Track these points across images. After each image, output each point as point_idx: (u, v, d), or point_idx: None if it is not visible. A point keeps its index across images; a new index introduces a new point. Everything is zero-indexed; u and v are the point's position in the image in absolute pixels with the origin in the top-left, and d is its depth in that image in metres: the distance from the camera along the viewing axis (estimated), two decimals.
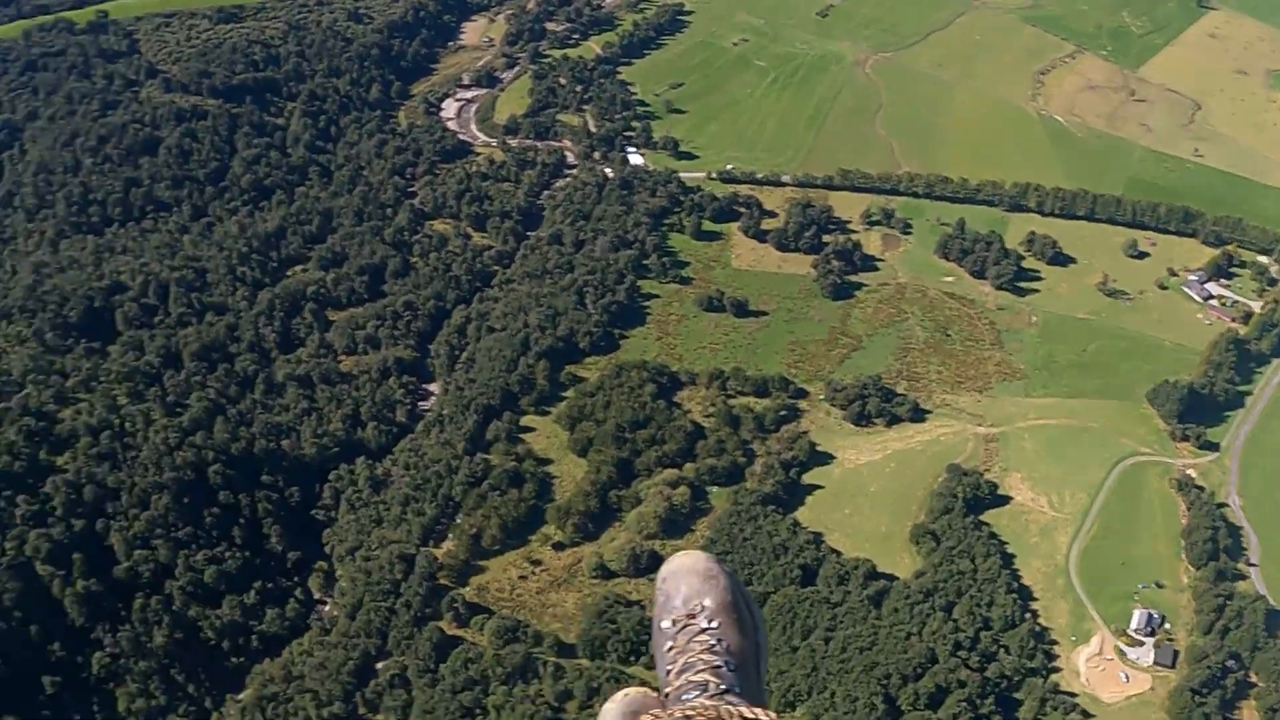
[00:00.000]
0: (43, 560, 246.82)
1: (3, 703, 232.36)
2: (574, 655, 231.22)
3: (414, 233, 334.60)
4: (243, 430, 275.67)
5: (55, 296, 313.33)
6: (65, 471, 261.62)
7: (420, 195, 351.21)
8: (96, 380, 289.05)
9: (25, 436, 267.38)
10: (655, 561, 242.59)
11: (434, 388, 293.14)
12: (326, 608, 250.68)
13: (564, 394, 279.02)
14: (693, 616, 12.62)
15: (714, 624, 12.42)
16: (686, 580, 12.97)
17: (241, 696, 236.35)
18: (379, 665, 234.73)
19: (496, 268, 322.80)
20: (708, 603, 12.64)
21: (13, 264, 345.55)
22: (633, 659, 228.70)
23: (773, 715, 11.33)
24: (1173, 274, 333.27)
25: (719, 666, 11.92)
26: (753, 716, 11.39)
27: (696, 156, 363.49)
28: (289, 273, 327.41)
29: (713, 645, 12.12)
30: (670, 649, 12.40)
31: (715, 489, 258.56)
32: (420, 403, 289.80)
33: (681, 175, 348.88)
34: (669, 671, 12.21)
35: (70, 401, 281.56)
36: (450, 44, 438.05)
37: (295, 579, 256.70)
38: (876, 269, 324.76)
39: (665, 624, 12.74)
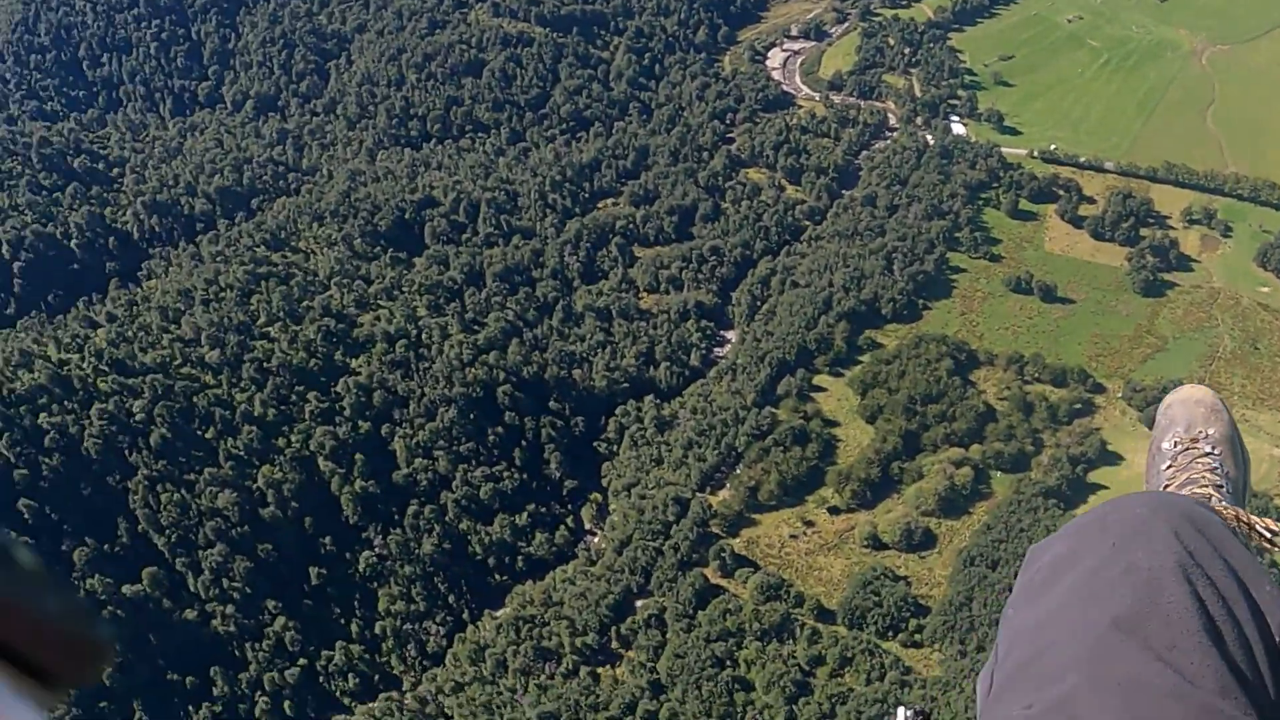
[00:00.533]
0: (326, 456, 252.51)
1: (271, 587, 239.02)
2: (833, 622, 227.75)
3: (728, 179, 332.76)
4: (536, 355, 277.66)
5: (367, 205, 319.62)
6: (358, 374, 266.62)
7: (738, 142, 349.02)
8: (399, 289, 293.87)
9: (324, 336, 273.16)
10: (928, 539, 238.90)
11: (731, 335, 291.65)
12: (595, 539, 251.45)
13: (860, 358, 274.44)
14: (1195, 441, 11.63)
15: (1216, 451, 11.50)
16: (1193, 409, 11.91)
17: (499, 614, 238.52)
18: (638, 603, 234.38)
19: (807, 223, 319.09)
20: (1212, 432, 11.66)
21: (329, 169, 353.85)
22: (891, 634, 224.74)
23: None
24: None
25: (1220, 485, 11.16)
26: (1265, 523, 10.74)
27: (1020, 133, 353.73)
28: (599, 205, 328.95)
29: (1214, 468, 11.30)
30: (1168, 467, 11.53)
31: (998, 474, 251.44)
32: (715, 349, 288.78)
33: (1002, 150, 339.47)
34: (1166, 486, 11.33)
35: (371, 307, 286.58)
36: None
37: (569, 507, 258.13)
38: (1191, 270, 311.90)
39: (1165, 445, 11.72)
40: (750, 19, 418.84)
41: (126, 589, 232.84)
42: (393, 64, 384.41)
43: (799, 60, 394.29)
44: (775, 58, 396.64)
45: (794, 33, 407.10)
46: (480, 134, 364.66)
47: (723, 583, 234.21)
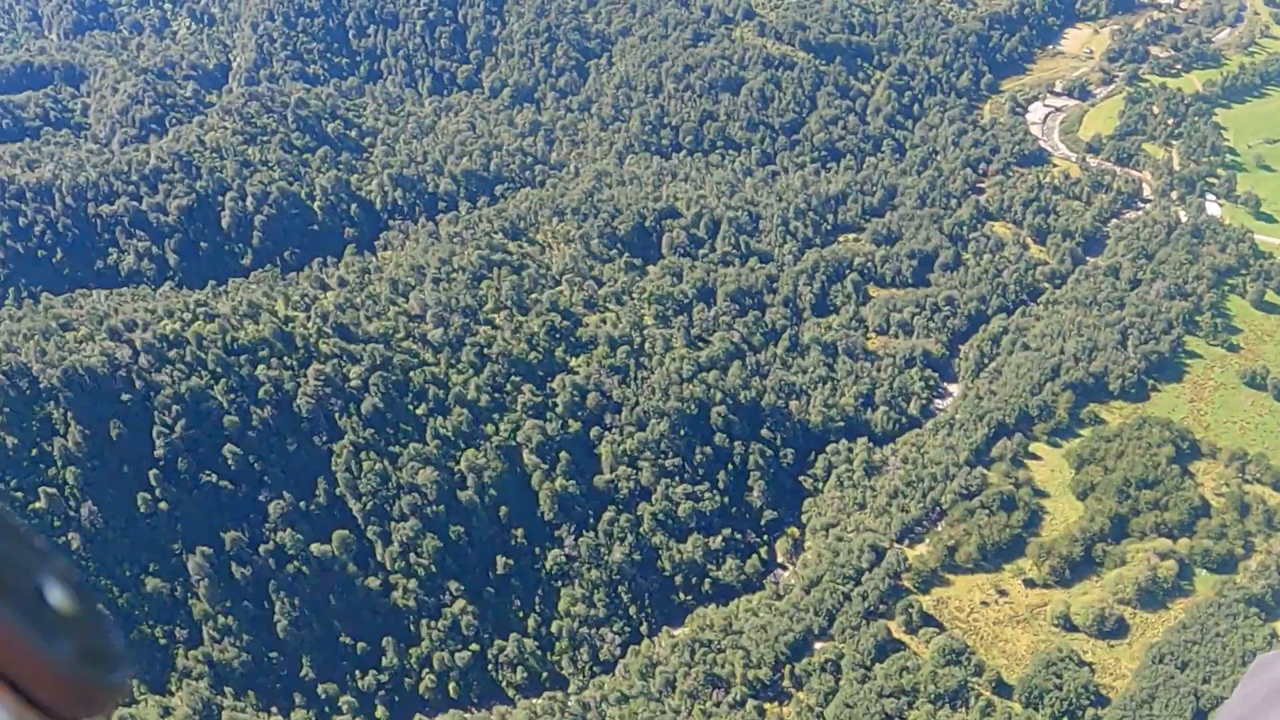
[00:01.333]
0: (532, 450, 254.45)
1: (456, 569, 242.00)
2: (1009, 697, 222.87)
3: (973, 229, 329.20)
4: (756, 380, 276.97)
5: (610, 207, 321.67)
6: (576, 374, 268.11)
7: (988, 193, 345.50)
8: (629, 295, 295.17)
9: (548, 331, 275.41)
10: (1121, 628, 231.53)
11: (953, 389, 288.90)
12: (785, 574, 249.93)
13: (1080, 431, 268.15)
14: None
15: None
16: None
17: (677, 633, 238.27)
18: (817, 645, 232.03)
19: (1046, 285, 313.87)
20: None
21: (577, 166, 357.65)
22: (1065, 719, 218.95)
23: None
24: None
25: None
26: None
27: (1276, 221, 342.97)
28: (840, 238, 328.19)
29: None
30: None
31: (1203, 572, 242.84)
32: (936, 400, 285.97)
33: (1256, 236, 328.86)
34: None
35: (599, 309, 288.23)
36: (1049, 47, 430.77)
37: (764, 537, 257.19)
38: None
39: None
40: (1015, 69, 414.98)
41: (316, 547, 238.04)
42: (652, 70, 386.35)
43: (1059, 118, 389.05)
44: (1036, 112, 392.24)
45: (1058, 89, 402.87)
46: (731, 151, 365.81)
47: (905, 638, 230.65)
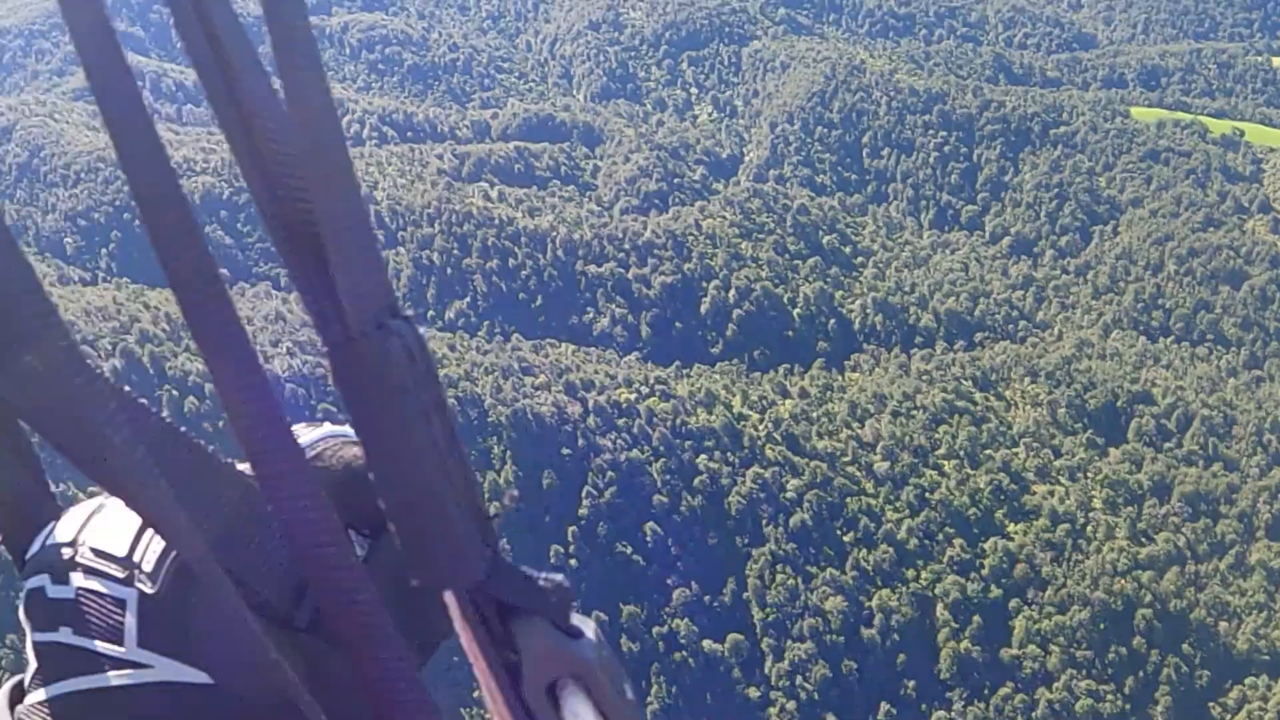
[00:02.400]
0: (946, 606, 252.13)
1: (838, 702, 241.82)
2: None
3: None
4: (1190, 591, 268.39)
5: (1084, 378, 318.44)
6: (1010, 540, 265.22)
7: None
8: (1083, 473, 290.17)
9: (993, 490, 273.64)
10: None
11: None
12: None
13: None
14: None
15: None
16: None
17: None
18: None
19: None
20: None
21: (1060, 330, 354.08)
22: None
23: None
24: None
25: None
26: None
27: None
28: None
29: None
30: None
31: None
32: None
33: None
34: None
35: (1050, 480, 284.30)
36: None
37: None
38: None
39: None
40: None
41: (707, 644, 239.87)
42: (1156, 248, 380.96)
43: None
44: None
45: None
46: (1219, 347, 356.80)
47: None
